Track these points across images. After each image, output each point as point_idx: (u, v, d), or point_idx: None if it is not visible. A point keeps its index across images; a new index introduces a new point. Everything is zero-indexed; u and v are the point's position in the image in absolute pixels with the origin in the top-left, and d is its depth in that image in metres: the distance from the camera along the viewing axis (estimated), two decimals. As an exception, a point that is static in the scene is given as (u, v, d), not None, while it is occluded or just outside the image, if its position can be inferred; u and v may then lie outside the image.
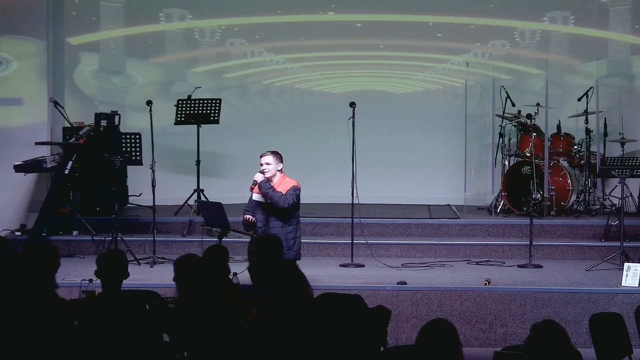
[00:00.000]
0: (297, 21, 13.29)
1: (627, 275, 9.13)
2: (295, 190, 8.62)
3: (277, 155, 8.74)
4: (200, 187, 11.62)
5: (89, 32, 13.07)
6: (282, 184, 8.65)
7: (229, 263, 7.39)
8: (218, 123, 11.87)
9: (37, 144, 11.40)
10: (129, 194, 11.90)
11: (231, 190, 12.39)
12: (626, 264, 9.29)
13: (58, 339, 5.82)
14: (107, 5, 13.15)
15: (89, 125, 11.28)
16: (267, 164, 8.67)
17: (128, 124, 12.28)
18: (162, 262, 10.25)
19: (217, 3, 13.25)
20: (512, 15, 13.07)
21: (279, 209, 8.59)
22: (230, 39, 13.42)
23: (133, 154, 11.28)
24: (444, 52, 13.25)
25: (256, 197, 8.72)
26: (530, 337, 4.76)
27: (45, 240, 10.35)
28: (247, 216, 8.84)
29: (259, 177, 8.64)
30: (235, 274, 7.62)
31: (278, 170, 8.70)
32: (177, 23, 13.40)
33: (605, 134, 12.09)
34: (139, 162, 11.27)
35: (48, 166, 10.83)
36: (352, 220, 10.20)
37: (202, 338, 5.91)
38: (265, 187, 8.56)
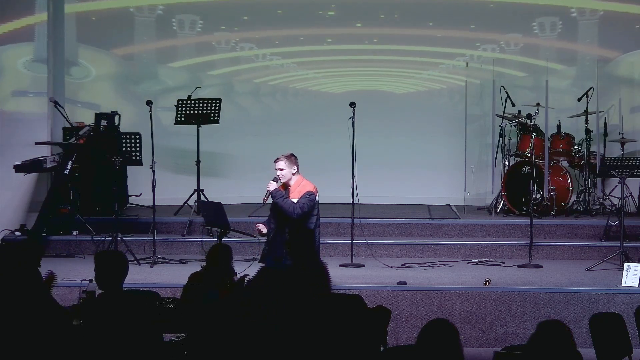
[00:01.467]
0: (299, 26, 13.22)
1: (627, 275, 9.13)
2: (309, 197, 8.52)
3: (291, 158, 8.65)
4: (200, 187, 11.62)
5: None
6: (299, 188, 8.58)
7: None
8: (218, 123, 11.86)
9: (37, 144, 11.41)
10: (129, 194, 11.90)
11: (231, 190, 12.40)
12: (626, 264, 9.29)
13: (52, 339, 5.82)
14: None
15: (89, 125, 11.28)
16: (281, 169, 8.60)
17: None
18: (162, 262, 10.25)
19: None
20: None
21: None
22: (217, 33, 13.14)
23: (133, 154, 11.28)
24: (446, 50, 13.15)
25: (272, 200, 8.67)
26: (534, 335, 4.75)
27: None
28: (258, 227, 8.76)
29: (272, 186, 8.56)
30: (236, 274, 7.60)
31: (293, 174, 8.62)
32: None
33: (605, 134, 12.09)
34: (139, 162, 11.27)
35: (48, 166, 10.83)
36: (352, 220, 10.20)
37: (206, 333, 5.91)
38: (277, 196, 8.49)
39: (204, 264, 7.62)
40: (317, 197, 8.74)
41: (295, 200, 8.69)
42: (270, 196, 8.55)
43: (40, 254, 6.62)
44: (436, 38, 13.12)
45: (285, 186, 8.60)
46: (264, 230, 8.70)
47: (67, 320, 6.19)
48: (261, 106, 13.48)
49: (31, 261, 6.49)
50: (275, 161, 8.64)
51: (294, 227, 8.44)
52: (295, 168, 8.63)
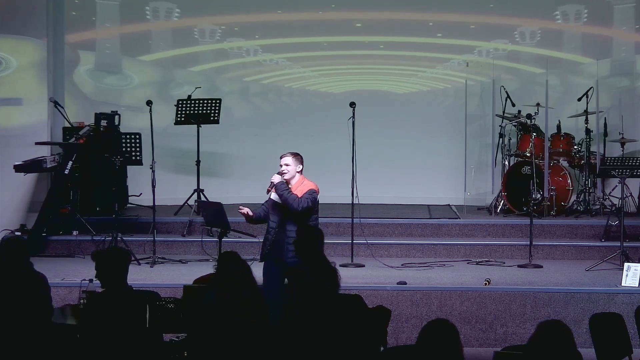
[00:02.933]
0: (295, 19, 13.15)
1: (627, 275, 9.14)
2: (312, 194, 8.51)
3: (297, 156, 8.65)
4: (200, 187, 11.62)
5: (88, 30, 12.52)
6: (301, 186, 8.58)
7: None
8: (218, 123, 11.86)
9: (37, 144, 11.41)
10: (129, 194, 11.90)
11: (231, 190, 12.38)
12: (626, 264, 9.30)
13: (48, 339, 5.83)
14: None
15: (89, 125, 11.28)
16: (287, 165, 8.58)
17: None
18: (162, 262, 10.25)
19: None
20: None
21: (293, 212, 8.51)
22: (198, 23, 12.84)
23: (133, 154, 11.29)
24: (452, 42, 13.03)
25: (274, 196, 8.64)
26: (534, 335, 4.75)
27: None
28: (243, 210, 8.69)
29: (276, 179, 8.55)
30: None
31: (297, 172, 8.62)
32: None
33: (605, 134, 12.09)
34: (139, 162, 11.27)
35: (48, 166, 10.83)
36: (352, 220, 10.20)
37: (210, 336, 5.91)
38: (282, 188, 8.48)
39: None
40: (318, 196, 8.74)
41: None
42: (274, 188, 8.53)
43: (24, 252, 6.60)
44: (441, 31, 12.99)
45: (287, 184, 8.60)
46: (250, 213, 8.62)
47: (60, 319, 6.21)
48: (254, 107, 13.45)
49: (15, 259, 6.49)
50: (282, 157, 8.62)
51: (294, 225, 8.45)
52: (300, 167, 8.63)
